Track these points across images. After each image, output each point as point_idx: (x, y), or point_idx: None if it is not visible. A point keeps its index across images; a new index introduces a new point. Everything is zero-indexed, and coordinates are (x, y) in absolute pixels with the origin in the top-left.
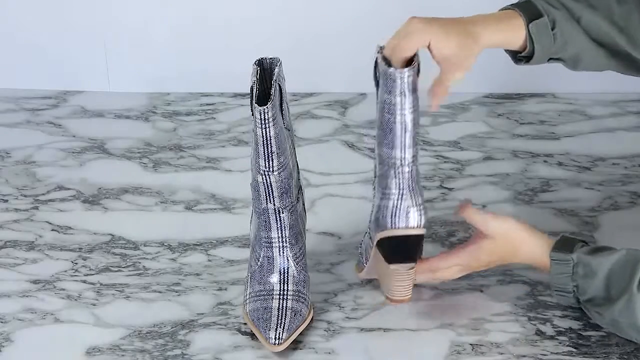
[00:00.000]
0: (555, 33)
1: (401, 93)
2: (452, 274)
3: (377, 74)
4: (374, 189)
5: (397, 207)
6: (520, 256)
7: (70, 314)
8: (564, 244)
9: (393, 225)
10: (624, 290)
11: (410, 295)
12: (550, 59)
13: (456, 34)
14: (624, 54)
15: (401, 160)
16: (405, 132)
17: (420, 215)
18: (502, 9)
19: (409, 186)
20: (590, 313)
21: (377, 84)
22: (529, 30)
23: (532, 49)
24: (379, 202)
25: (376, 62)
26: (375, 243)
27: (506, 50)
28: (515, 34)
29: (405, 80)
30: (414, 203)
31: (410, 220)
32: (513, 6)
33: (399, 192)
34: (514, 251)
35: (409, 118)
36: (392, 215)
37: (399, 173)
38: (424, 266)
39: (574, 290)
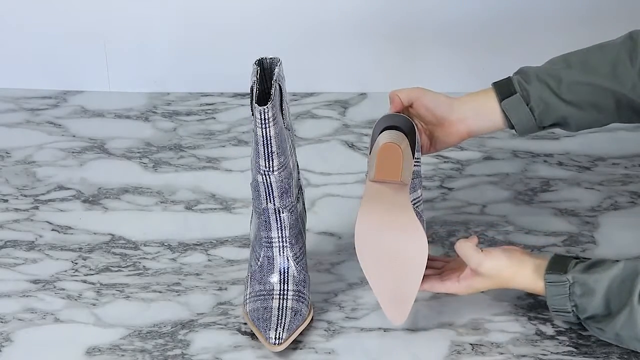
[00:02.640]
0: (531, 107)
1: None
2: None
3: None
4: None
5: None
6: (514, 286)
7: (70, 314)
8: (557, 264)
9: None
10: (624, 304)
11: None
12: (544, 127)
13: (447, 106)
14: (624, 103)
15: None
16: None
17: None
18: (492, 85)
19: None
20: (592, 329)
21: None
22: (502, 109)
23: (510, 125)
24: None
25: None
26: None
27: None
28: (493, 114)
29: None
30: None
31: None
32: (494, 85)
33: None
34: (506, 284)
35: None
36: None
37: None
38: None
39: (573, 310)
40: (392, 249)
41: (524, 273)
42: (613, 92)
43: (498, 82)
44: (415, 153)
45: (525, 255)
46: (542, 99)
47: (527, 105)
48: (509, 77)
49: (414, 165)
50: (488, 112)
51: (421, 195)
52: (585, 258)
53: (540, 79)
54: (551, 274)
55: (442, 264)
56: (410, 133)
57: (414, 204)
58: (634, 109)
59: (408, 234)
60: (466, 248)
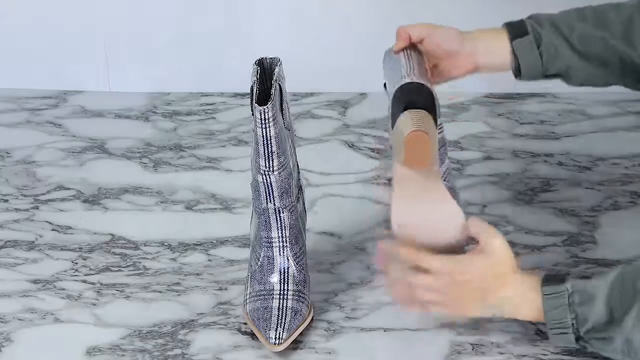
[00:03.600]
0: (541, 51)
1: None
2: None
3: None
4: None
5: None
6: (510, 283)
7: (70, 314)
8: (551, 278)
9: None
10: (630, 305)
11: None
12: (547, 75)
13: (459, 41)
14: (629, 67)
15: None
16: None
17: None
18: (503, 25)
19: None
20: (593, 346)
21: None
22: (513, 48)
23: (517, 65)
24: None
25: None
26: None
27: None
28: (502, 51)
29: None
30: None
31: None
32: (506, 24)
33: None
34: (504, 275)
35: None
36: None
37: None
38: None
39: (573, 323)
40: (428, 227)
41: (521, 277)
42: (621, 53)
43: (510, 22)
44: (437, 120)
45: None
46: (553, 44)
47: (538, 48)
48: (522, 19)
49: (438, 133)
50: (498, 50)
51: (448, 165)
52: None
53: (553, 24)
54: (548, 286)
55: None
56: (431, 104)
57: (444, 178)
58: (638, 75)
59: (443, 211)
60: (481, 224)
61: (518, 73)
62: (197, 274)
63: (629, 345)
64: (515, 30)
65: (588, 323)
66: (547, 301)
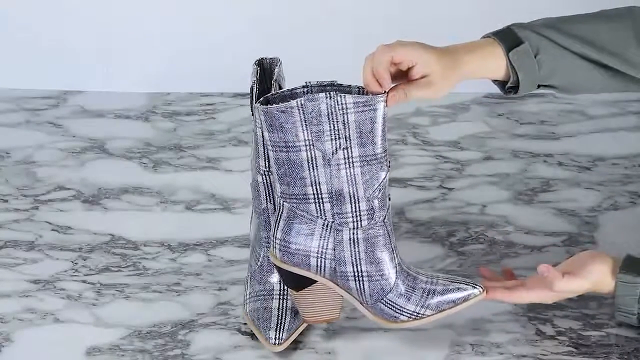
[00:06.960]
0: (539, 60)
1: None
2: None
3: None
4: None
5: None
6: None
7: (70, 314)
8: (631, 265)
9: None
10: None
11: (315, 318)
12: (540, 86)
13: (439, 59)
14: (621, 75)
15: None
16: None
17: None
18: (483, 36)
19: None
20: None
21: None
22: (509, 59)
23: (516, 78)
24: None
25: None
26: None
27: (494, 82)
28: (495, 63)
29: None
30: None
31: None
32: (493, 34)
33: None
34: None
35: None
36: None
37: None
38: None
39: (638, 313)
40: None
41: (601, 269)
42: (620, 70)
43: (497, 31)
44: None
45: (598, 261)
46: (552, 54)
47: (535, 57)
48: (508, 27)
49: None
50: (491, 57)
51: (389, 205)
52: None
53: (548, 37)
54: (625, 274)
55: (514, 283)
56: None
57: (383, 219)
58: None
59: None
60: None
61: (511, 89)
62: (197, 274)
63: None
64: (508, 41)
65: None
66: (620, 287)
